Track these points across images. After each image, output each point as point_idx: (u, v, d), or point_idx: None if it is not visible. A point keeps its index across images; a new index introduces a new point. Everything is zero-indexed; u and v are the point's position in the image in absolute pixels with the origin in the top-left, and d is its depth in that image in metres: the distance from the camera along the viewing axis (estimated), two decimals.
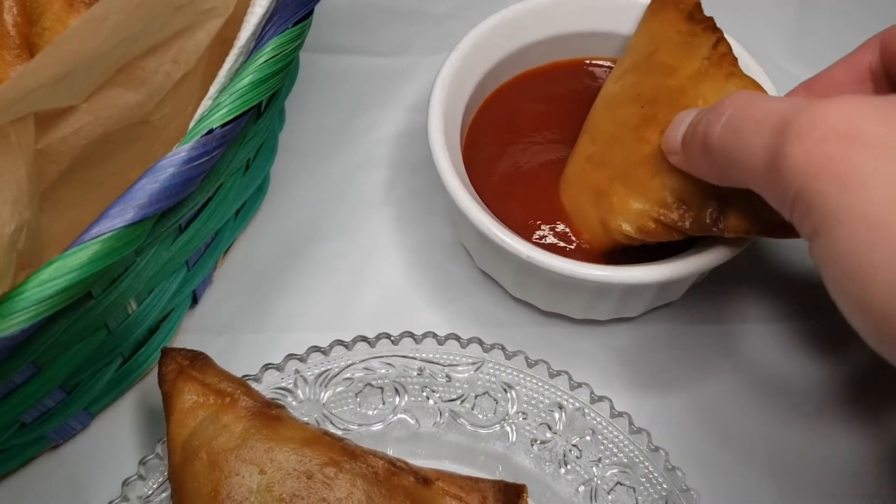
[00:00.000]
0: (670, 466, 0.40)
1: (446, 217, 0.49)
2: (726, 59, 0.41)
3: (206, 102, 0.34)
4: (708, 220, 0.38)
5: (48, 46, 0.27)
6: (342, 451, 0.37)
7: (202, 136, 0.33)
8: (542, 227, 0.43)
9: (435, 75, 0.44)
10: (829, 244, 0.28)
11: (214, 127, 0.33)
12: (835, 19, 0.59)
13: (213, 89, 0.34)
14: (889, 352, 0.27)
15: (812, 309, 0.47)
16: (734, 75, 0.40)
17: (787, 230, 0.35)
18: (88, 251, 0.30)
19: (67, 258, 0.30)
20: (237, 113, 0.34)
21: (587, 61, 0.48)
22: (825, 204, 0.28)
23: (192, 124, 0.34)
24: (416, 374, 0.42)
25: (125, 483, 0.39)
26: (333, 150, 0.51)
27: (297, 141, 0.51)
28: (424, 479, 0.37)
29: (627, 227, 0.40)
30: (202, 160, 0.33)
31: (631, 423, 0.41)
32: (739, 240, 0.40)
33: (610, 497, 0.40)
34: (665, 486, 0.40)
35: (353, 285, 0.47)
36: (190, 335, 0.45)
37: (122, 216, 0.31)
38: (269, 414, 0.38)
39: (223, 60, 0.36)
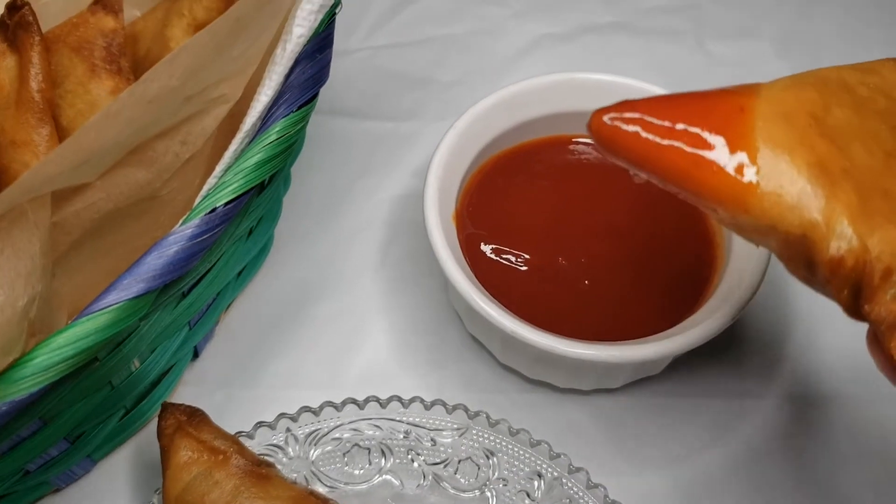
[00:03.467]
0: None
1: (441, 280, 0.51)
2: None
3: (211, 181, 0.37)
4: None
5: (68, 139, 0.30)
6: None
7: (206, 214, 0.35)
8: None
9: (434, 149, 0.46)
10: None
11: (218, 205, 0.36)
12: None
13: (219, 169, 0.37)
14: None
15: (796, 386, 0.48)
16: None
17: None
18: (96, 321, 0.33)
19: (76, 328, 0.32)
20: (241, 191, 0.36)
21: (573, 138, 0.50)
22: None
23: (197, 200, 0.36)
24: (402, 436, 0.44)
25: None
26: (337, 211, 0.54)
27: (302, 201, 0.54)
28: None
29: (838, 243, 0.30)
30: (205, 236, 0.35)
31: (606, 496, 0.42)
32: (718, 321, 0.42)
33: None
34: None
35: (347, 345, 0.49)
36: (190, 387, 0.47)
37: (128, 289, 0.33)
38: (259, 473, 0.40)
39: (230, 133, 0.39)
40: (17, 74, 0.44)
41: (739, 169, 0.30)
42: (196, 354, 0.48)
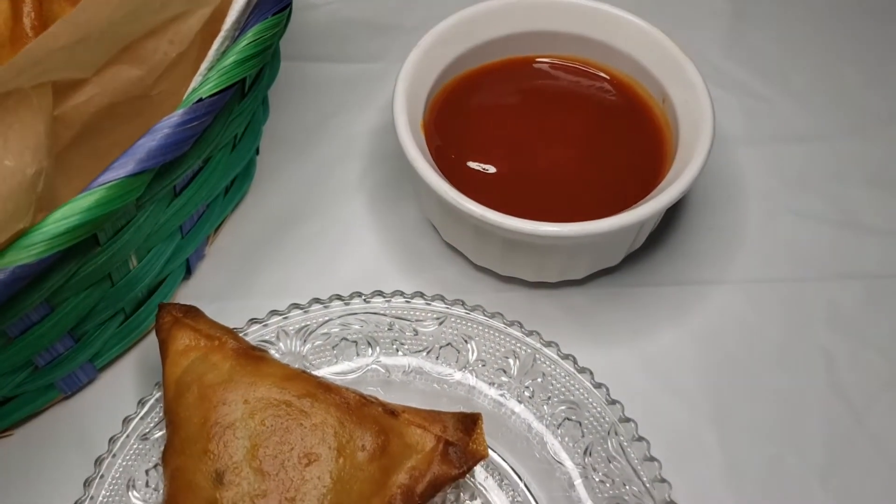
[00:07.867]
0: (612, 400, 0.45)
1: (414, 200, 0.55)
2: None
3: (197, 78, 0.40)
4: None
5: (64, 17, 0.33)
6: (318, 385, 0.42)
7: (193, 104, 0.39)
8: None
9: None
10: None
11: (203, 97, 0.39)
12: (769, 17, 0.65)
13: (203, 67, 0.40)
14: None
15: (751, 272, 0.52)
16: None
17: None
18: (95, 196, 0.36)
19: (78, 201, 0.36)
20: (222, 86, 0.40)
21: (536, 58, 0.54)
22: None
23: (185, 97, 0.40)
24: (387, 328, 0.47)
25: (125, 420, 0.44)
26: (314, 144, 0.57)
27: (282, 135, 0.57)
28: (392, 410, 0.42)
29: None
30: (193, 124, 0.39)
31: (575, 363, 0.46)
32: (666, 198, 0.45)
33: (559, 431, 0.45)
34: (607, 418, 0.44)
35: (331, 259, 0.52)
36: (184, 301, 0.50)
37: (124, 168, 0.37)
38: (253, 355, 0.43)
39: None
40: (11, 16, 0.48)
41: None
42: (189, 273, 0.51)
